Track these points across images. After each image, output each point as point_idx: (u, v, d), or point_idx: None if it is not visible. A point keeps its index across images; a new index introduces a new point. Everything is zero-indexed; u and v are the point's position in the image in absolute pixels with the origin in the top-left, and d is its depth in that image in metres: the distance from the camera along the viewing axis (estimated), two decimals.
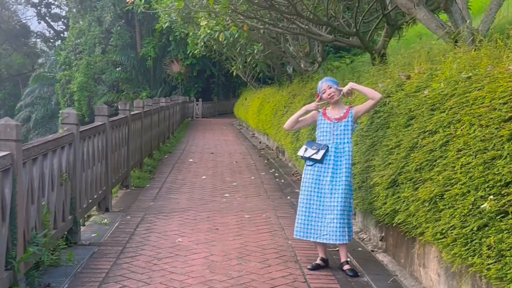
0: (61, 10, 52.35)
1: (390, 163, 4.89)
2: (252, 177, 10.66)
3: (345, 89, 5.30)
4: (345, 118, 5.23)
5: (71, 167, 5.62)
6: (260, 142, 17.67)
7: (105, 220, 6.88)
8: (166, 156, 13.50)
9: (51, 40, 53.62)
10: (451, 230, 3.64)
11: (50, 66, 39.20)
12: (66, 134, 5.47)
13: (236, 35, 15.29)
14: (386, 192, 4.88)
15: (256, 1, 11.32)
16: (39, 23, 53.34)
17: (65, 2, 45.75)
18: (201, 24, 14.36)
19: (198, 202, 8.30)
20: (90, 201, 6.54)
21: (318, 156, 5.15)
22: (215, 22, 13.64)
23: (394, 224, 4.75)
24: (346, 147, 5.15)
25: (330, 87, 5.30)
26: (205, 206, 7.99)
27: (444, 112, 4.16)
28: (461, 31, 5.54)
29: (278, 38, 16.76)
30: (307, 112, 5.49)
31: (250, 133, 21.03)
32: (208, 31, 14.39)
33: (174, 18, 17.15)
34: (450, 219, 3.67)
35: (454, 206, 3.64)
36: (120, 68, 35.75)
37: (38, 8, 51.89)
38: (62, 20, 52.09)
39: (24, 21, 52.39)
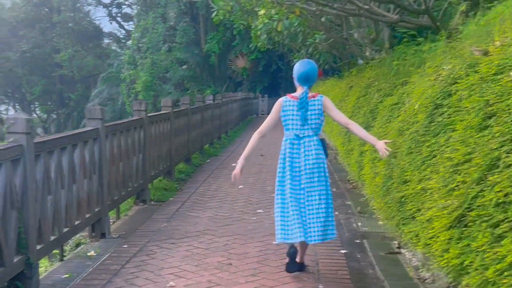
0: (132, 10, 52.38)
1: (454, 188, 3.09)
2: None
3: None
4: None
5: (17, 192, 4.18)
6: None
7: (92, 251, 5.45)
8: (208, 160, 12.01)
9: (123, 41, 53.79)
10: None
11: (117, 66, 38.86)
12: (5, 147, 4.04)
13: (296, 24, 13.73)
14: (448, 234, 3.09)
15: None
16: (111, 23, 53.65)
17: (135, 1, 45.55)
18: (259, 13, 13.06)
19: (221, 221, 6.73)
20: (66, 230, 5.09)
21: None
22: (273, 11, 12.34)
23: None
24: None
25: None
26: (227, 228, 6.41)
27: None
28: None
29: (342, 24, 15.05)
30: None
31: None
32: (266, 21, 13.03)
33: (229, 8, 16.08)
34: None
35: None
36: (185, 66, 34.86)
37: (109, 8, 52.12)
38: (133, 20, 52.08)
39: (97, 23, 52.78)
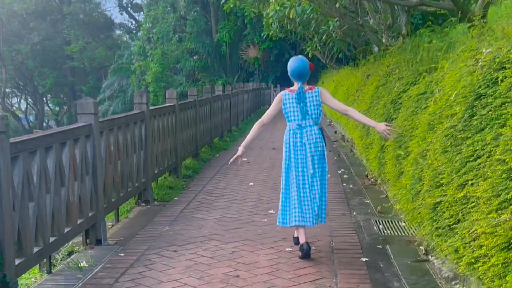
0: (143, 0, 51.76)
1: (508, 199, 2.48)
2: None
3: None
4: None
5: None
6: (335, 132, 15.24)
7: (85, 261, 4.89)
8: (217, 155, 11.43)
9: (134, 31, 53.21)
10: None
11: (127, 57, 38.28)
12: None
13: (309, 11, 13.13)
14: (501, 257, 2.47)
15: None
16: (121, 14, 53.07)
17: None
18: (271, 0, 12.53)
19: (229, 224, 6.15)
20: (52, 239, 4.54)
21: None
22: None
23: None
24: None
25: None
26: (235, 232, 5.83)
27: None
28: None
29: (356, 10, 14.37)
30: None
31: (327, 121, 18.59)
32: (278, 8, 12.46)
33: None
34: None
35: None
36: (196, 57, 34.22)
37: None
38: (143, 10, 51.45)
39: (108, 14, 52.23)
